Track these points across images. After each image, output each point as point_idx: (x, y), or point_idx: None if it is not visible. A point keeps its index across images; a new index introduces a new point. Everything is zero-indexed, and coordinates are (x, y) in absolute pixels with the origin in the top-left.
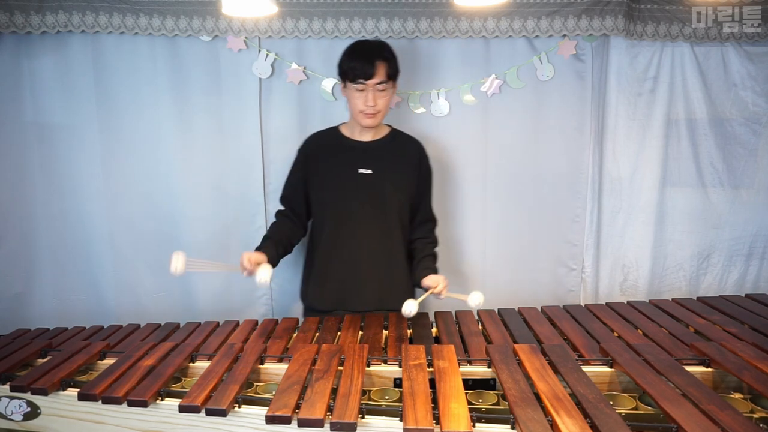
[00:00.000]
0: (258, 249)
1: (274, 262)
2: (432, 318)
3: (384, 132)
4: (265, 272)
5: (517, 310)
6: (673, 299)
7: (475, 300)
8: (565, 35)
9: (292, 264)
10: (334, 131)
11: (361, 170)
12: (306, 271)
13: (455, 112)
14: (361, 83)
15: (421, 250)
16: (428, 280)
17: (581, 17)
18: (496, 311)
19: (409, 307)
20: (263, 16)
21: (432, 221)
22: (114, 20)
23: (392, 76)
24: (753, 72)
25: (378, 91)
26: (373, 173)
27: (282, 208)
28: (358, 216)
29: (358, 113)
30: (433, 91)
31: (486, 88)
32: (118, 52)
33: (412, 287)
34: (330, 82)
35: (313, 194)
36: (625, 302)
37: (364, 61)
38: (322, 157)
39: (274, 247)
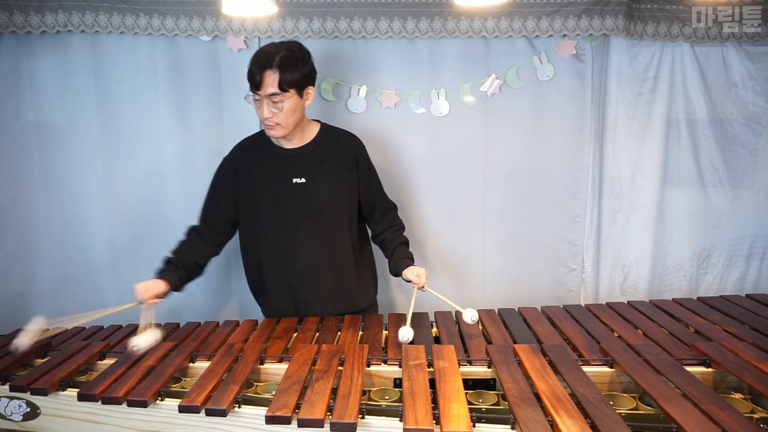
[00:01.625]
0: (158, 275)
1: (177, 287)
2: (432, 318)
3: (313, 133)
4: (145, 339)
5: (517, 310)
6: (673, 299)
7: (470, 316)
8: (565, 35)
9: None
10: (261, 138)
11: (295, 179)
12: (257, 285)
13: (455, 112)
14: (255, 93)
15: (391, 240)
16: (409, 273)
17: (581, 17)
18: (496, 311)
19: (406, 335)
20: (263, 16)
21: (393, 208)
22: (114, 20)
23: (289, 86)
24: (753, 72)
25: (273, 103)
26: (307, 182)
27: (197, 224)
28: (298, 227)
29: (262, 123)
30: (433, 91)
31: (486, 88)
32: (118, 52)
33: (374, 285)
34: (330, 83)
35: (246, 207)
36: (625, 302)
37: (254, 71)
38: (253, 168)
39: (176, 271)
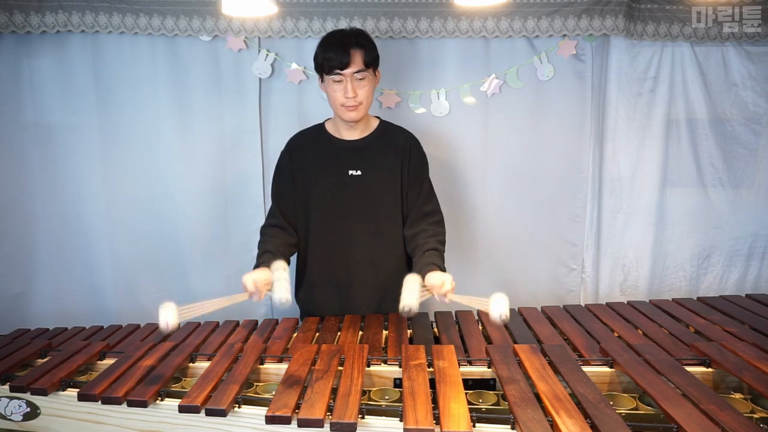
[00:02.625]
0: (257, 267)
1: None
2: (432, 318)
3: (372, 127)
4: (282, 288)
5: (517, 310)
6: (673, 299)
7: (497, 309)
8: (565, 35)
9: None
10: (319, 129)
11: (351, 172)
12: (299, 277)
13: (455, 112)
14: (337, 74)
15: (422, 245)
16: (432, 278)
17: (581, 17)
18: None
19: (409, 302)
20: (263, 16)
21: (435, 215)
22: (114, 20)
23: (370, 63)
24: (753, 72)
25: (357, 80)
26: (363, 174)
27: (271, 221)
28: (350, 220)
29: (340, 107)
30: (433, 91)
31: (486, 88)
32: (117, 51)
33: None
34: None
35: (301, 198)
36: (625, 302)
37: (338, 51)
38: (309, 159)
39: (276, 259)
